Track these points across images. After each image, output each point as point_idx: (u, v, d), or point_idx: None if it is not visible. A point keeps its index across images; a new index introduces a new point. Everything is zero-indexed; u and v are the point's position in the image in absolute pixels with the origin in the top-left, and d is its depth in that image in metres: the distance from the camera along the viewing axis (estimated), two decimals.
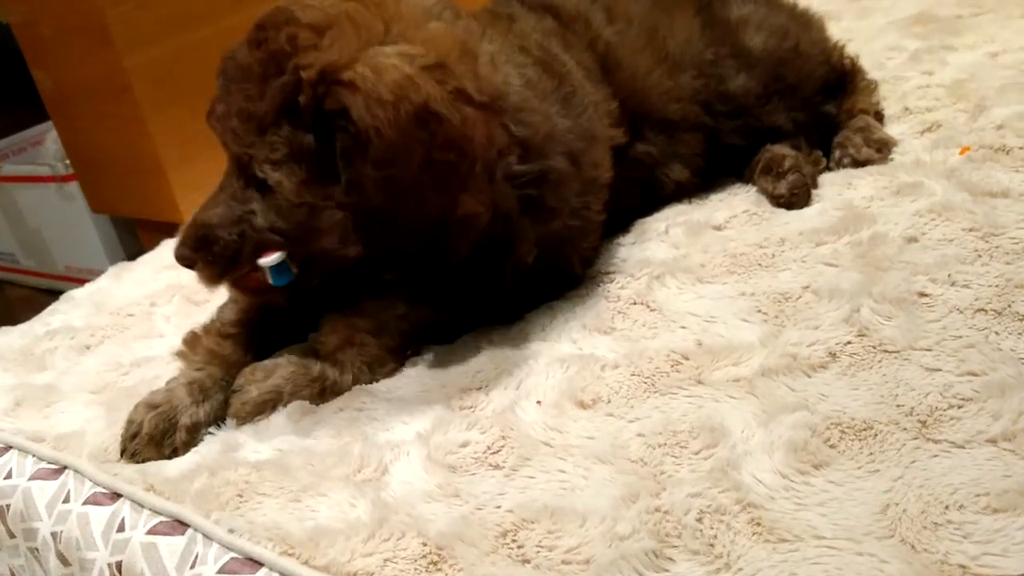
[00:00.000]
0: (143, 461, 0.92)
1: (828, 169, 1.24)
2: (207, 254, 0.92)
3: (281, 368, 0.96)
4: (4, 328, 1.31)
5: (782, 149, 1.21)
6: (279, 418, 0.93)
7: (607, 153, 1.08)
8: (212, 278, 0.94)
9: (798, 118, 1.25)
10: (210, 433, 0.94)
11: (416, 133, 0.84)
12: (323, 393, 0.96)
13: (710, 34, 1.23)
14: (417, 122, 0.84)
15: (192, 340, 1.02)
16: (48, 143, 2.51)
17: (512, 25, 1.09)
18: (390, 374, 0.98)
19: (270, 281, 0.94)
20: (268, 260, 0.93)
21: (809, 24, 1.33)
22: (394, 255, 0.94)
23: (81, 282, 1.46)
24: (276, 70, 0.86)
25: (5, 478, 0.99)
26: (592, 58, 1.15)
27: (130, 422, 0.94)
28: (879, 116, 1.32)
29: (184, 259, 0.93)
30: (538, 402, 0.88)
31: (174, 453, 0.93)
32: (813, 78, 1.28)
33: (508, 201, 0.94)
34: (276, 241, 0.92)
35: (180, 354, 1.01)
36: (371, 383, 0.97)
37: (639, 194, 1.18)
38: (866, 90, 1.34)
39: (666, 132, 1.18)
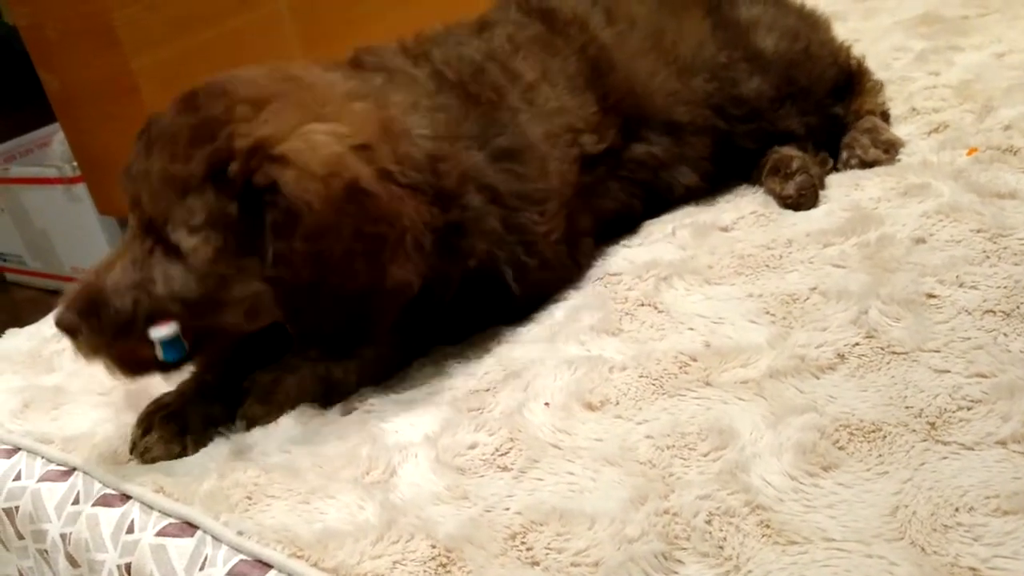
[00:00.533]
0: (153, 460, 0.92)
1: (835, 170, 1.24)
2: (95, 321, 0.88)
3: (288, 368, 0.96)
4: (12, 330, 1.31)
5: (790, 150, 1.21)
6: (287, 420, 0.93)
7: (560, 160, 1.07)
8: (95, 348, 0.90)
9: (810, 122, 1.25)
10: (219, 434, 0.94)
11: (346, 208, 0.85)
12: (329, 391, 0.96)
13: (721, 36, 1.23)
14: (347, 197, 0.85)
15: None
16: (55, 145, 2.51)
17: (433, 51, 1.08)
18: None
19: (160, 356, 0.91)
20: (161, 332, 0.89)
21: (817, 25, 1.33)
22: (316, 331, 0.92)
23: None
24: (207, 136, 0.86)
25: (14, 480, 0.99)
26: (580, 63, 1.14)
27: (140, 421, 0.94)
28: (885, 116, 1.32)
29: (66, 325, 0.89)
30: (546, 404, 0.88)
31: (183, 452, 0.93)
32: (824, 80, 1.28)
33: (430, 258, 0.94)
34: (174, 312, 0.89)
35: None
36: (377, 382, 0.97)
37: (642, 196, 1.18)
38: (873, 91, 1.34)
39: (672, 134, 1.18)
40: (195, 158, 0.86)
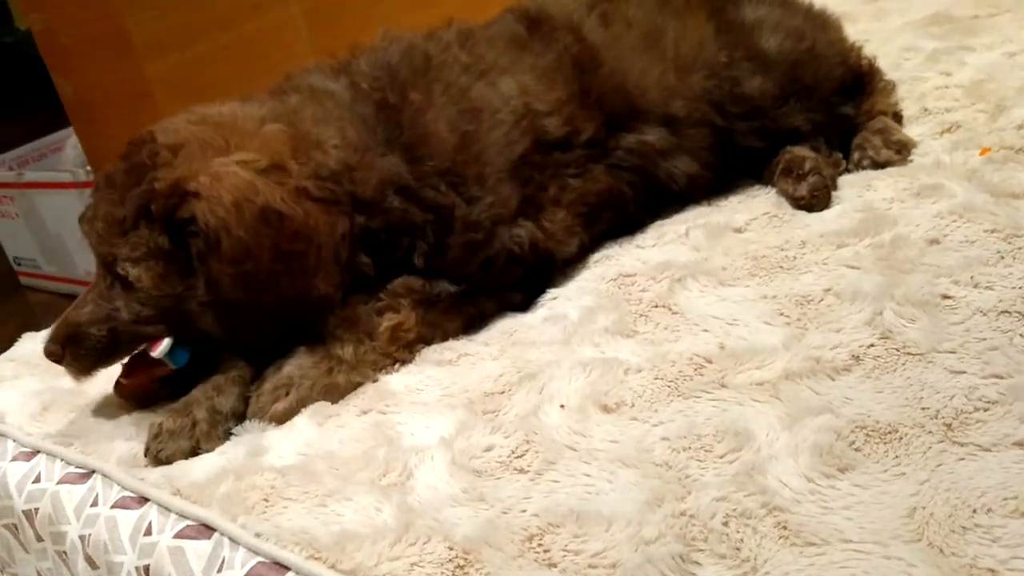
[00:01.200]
0: (168, 459, 0.93)
1: (847, 171, 1.24)
2: (76, 349, 1.00)
3: (292, 357, 1.00)
4: (29, 334, 1.32)
5: (802, 151, 1.21)
6: (303, 422, 0.94)
7: (499, 140, 1.10)
8: (83, 370, 1.01)
9: (816, 119, 1.25)
10: (234, 435, 0.95)
11: (262, 230, 0.94)
12: (332, 371, 0.99)
13: (724, 38, 1.23)
14: (261, 220, 0.94)
15: None
16: (68, 149, 2.53)
17: (359, 62, 1.14)
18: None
19: (171, 366, 1.02)
20: (159, 349, 1.01)
21: (826, 25, 1.33)
22: (254, 343, 1.02)
23: None
24: (136, 181, 0.97)
25: (34, 482, 1.00)
26: (558, 60, 1.17)
27: (152, 424, 0.96)
28: (897, 117, 1.32)
29: (52, 355, 1.01)
30: (561, 406, 0.88)
31: (196, 449, 0.94)
32: (830, 79, 1.27)
33: (362, 267, 1.04)
34: (145, 332, 1.00)
35: None
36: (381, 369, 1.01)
37: (636, 183, 1.18)
38: (884, 91, 1.34)
39: (668, 126, 1.19)
40: (128, 201, 0.97)
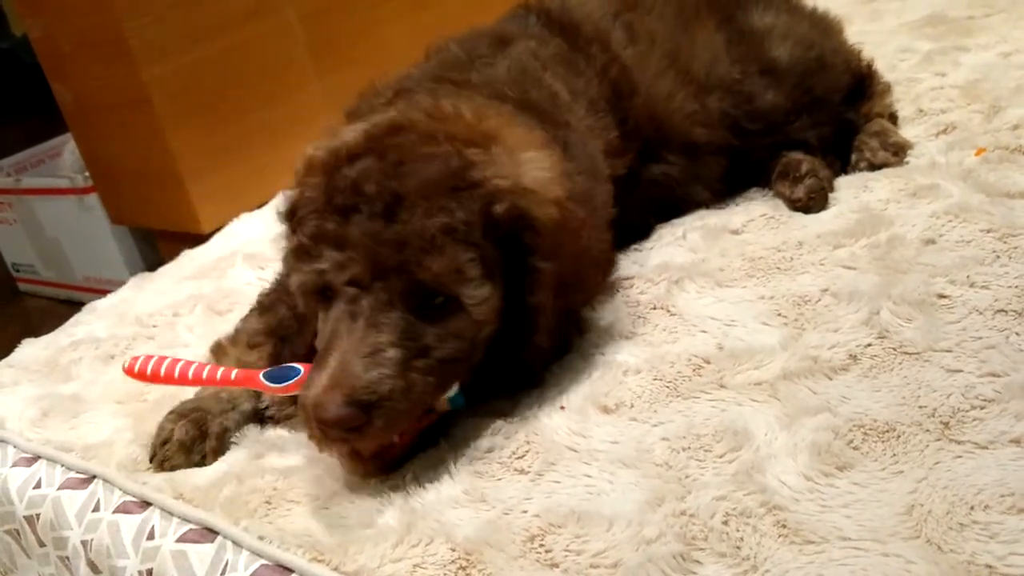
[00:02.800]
0: (172, 469, 0.93)
1: (844, 172, 1.25)
2: (379, 415, 0.78)
3: None
4: (28, 339, 1.32)
5: (798, 155, 1.21)
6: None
7: (609, 188, 1.06)
8: (378, 443, 0.82)
9: (824, 133, 1.24)
10: (234, 443, 0.95)
11: (573, 227, 0.88)
12: None
13: (736, 51, 1.23)
14: (571, 218, 0.88)
15: (218, 350, 1.03)
16: (66, 155, 2.53)
17: (470, 76, 1.05)
18: None
19: (449, 408, 0.88)
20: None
21: (829, 29, 1.33)
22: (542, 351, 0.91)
23: (100, 293, 1.47)
24: (463, 183, 0.83)
25: (35, 488, 1.00)
26: (602, 85, 1.13)
27: (161, 429, 0.95)
28: (893, 119, 1.32)
29: (347, 421, 0.77)
30: (562, 407, 0.89)
31: (203, 461, 0.94)
32: (839, 89, 1.28)
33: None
34: (449, 377, 0.85)
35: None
36: None
37: (656, 211, 1.19)
38: (882, 93, 1.34)
39: (689, 154, 1.18)
40: (462, 207, 0.82)
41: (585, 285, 0.93)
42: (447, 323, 0.83)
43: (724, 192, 1.23)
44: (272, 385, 0.88)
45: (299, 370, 0.88)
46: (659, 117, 1.16)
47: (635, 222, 1.16)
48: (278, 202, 0.98)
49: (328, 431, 0.78)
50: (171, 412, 0.96)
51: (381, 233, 0.80)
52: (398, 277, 0.80)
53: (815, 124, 1.24)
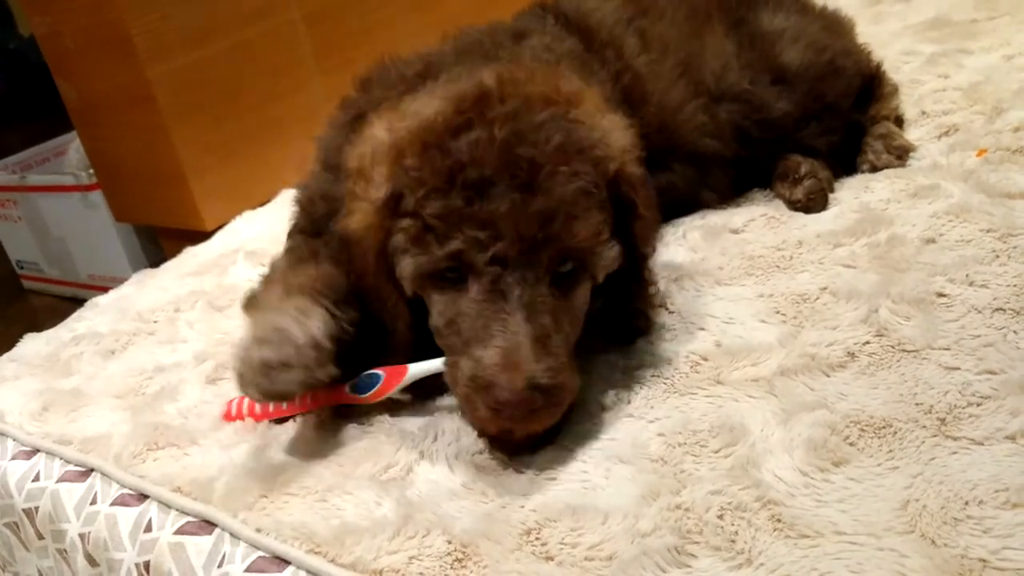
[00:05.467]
0: (282, 395, 0.83)
1: (846, 174, 1.25)
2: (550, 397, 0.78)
3: None
4: (30, 334, 1.33)
5: (798, 156, 1.21)
6: (303, 419, 0.95)
7: None
8: (549, 423, 0.81)
9: (833, 140, 1.24)
10: (235, 433, 0.95)
11: (647, 180, 0.90)
12: None
13: (746, 56, 1.22)
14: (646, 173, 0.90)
15: (252, 299, 0.95)
16: (71, 153, 2.54)
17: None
18: None
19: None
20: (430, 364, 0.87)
21: (840, 29, 1.33)
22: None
23: (104, 290, 1.47)
24: (585, 145, 0.82)
25: (33, 481, 1.01)
26: (614, 90, 1.12)
27: (242, 357, 0.83)
28: (899, 121, 1.32)
29: (526, 403, 0.76)
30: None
31: (312, 379, 0.83)
32: (849, 94, 1.27)
33: None
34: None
35: (247, 309, 0.94)
36: None
37: (663, 215, 1.17)
38: (889, 95, 1.34)
39: (696, 164, 1.18)
40: (593, 170, 0.81)
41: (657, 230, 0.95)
42: (576, 292, 0.83)
43: (730, 196, 1.23)
44: (361, 396, 0.89)
45: (380, 375, 0.88)
46: (669, 127, 1.15)
47: None
48: (306, 195, 0.99)
49: (502, 412, 0.76)
50: (241, 354, 0.84)
51: (528, 205, 0.78)
52: (546, 249, 0.79)
53: (824, 131, 1.23)
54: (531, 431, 0.80)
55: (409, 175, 0.82)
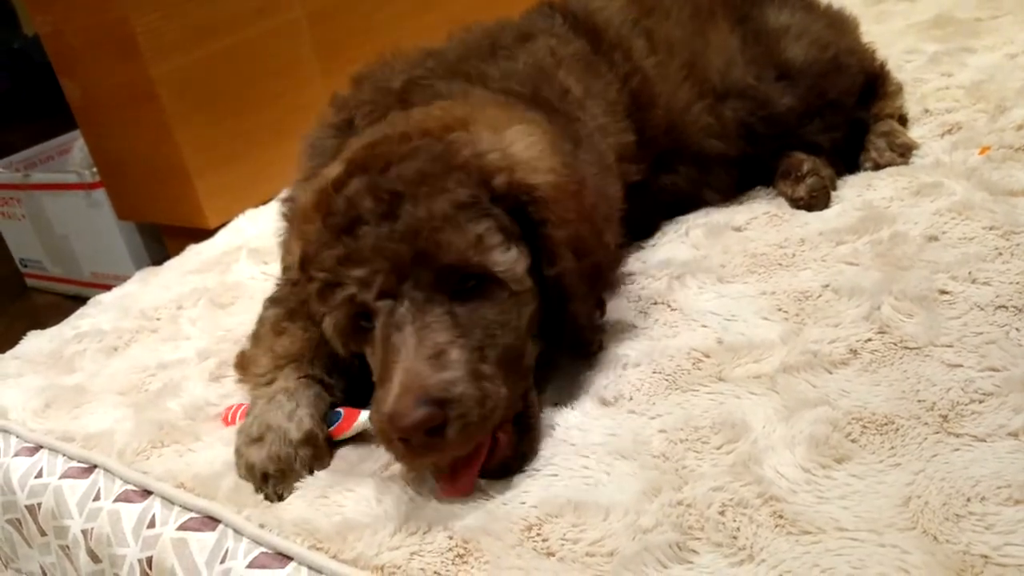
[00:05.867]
0: (283, 497, 0.85)
1: (849, 172, 1.25)
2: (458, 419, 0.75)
3: None
4: (33, 332, 1.33)
5: (800, 154, 1.21)
6: None
7: (620, 185, 1.06)
8: (463, 445, 0.77)
9: (836, 137, 1.24)
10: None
11: (571, 189, 0.87)
12: None
13: (750, 52, 1.22)
14: (574, 183, 0.88)
15: (243, 360, 0.98)
16: (75, 151, 2.54)
17: (488, 70, 1.05)
18: None
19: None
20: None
21: (845, 27, 1.33)
22: (577, 324, 0.89)
23: (107, 288, 1.48)
24: (455, 164, 0.82)
25: (36, 477, 1.01)
26: (622, 92, 1.12)
27: (250, 467, 0.87)
28: (903, 120, 1.32)
29: (428, 422, 0.73)
30: (555, 404, 0.89)
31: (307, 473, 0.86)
32: (852, 91, 1.27)
33: None
34: (514, 368, 0.82)
35: (239, 381, 0.97)
36: None
37: (664, 215, 1.20)
38: (893, 94, 1.34)
39: (700, 165, 1.19)
40: (462, 184, 0.81)
41: (604, 243, 0.91)
42: (489, 304, 0.81)
43: (732, 195, 1.23)
44: (329, 428, 0.89)
45: (340, 413, 0.89)
46: (676, 129, 1.16)
47: (642, 224, 1.16)
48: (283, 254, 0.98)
49: (410, 441, 0.74)
50: (240, 446, 0.89)
51: (391, 232, 0.79)
52: (423, 268, 0.79)
53: (828, 128, 1.23)
54: (452, 453, 0.77)
55: (307, 239, 0.84)
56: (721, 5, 1.26)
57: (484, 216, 0.81)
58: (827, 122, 1.23)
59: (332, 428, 0.89)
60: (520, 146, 0.86)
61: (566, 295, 0.86)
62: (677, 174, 1.18)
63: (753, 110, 1.20)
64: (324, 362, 0.92)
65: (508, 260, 0.81)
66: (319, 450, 0.87)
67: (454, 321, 0.79)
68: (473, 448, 0.78)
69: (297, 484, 0.85)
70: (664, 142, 1.15)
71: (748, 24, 1.25)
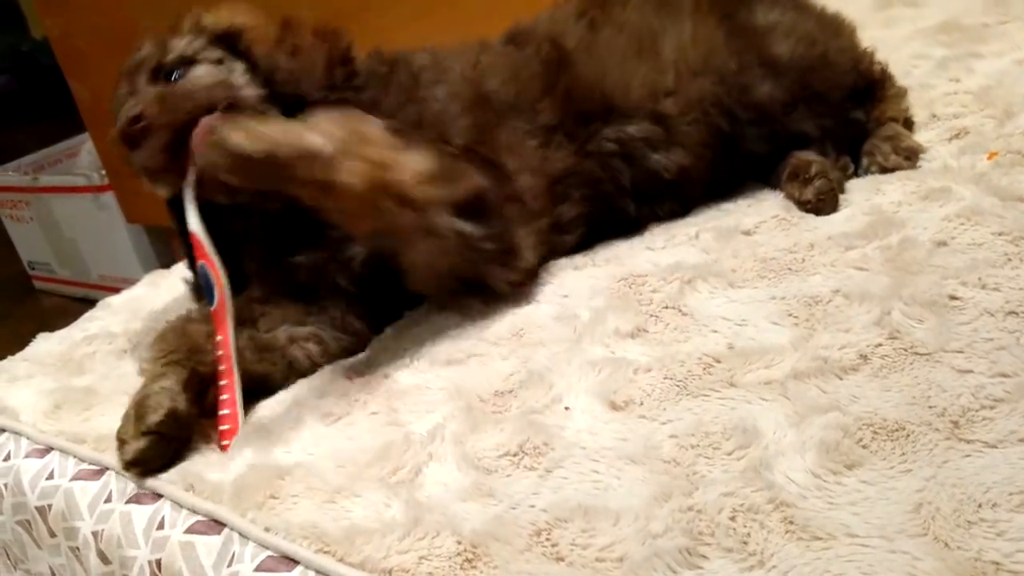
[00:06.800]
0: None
1: (856, 175, 1.25)
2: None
3: None
4: (43, 334, 1.34)
5: (808, 155, 1.21)
6: (311, 420, 0.95)
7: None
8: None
9: (825, 124, 1.25)
10: (242, 434, 0.96)
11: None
12: None
13: (735, 43, 1.23)
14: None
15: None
16: (83, 154, 2.56)
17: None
18: None
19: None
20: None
21: (839, 30, 1.33)
22: None
23: (115, 291, 1.48)
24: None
25: (47, 479, 1.01)
26: (525, 58, 1.22)
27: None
28: (908, 123, 1.32)
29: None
30: (566, 408, 0.89)
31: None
32: (841, 86, 1.27)
33: None
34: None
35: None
36: None
37: (628, 174, 1.20)
38: (896, 97, 1.34)
39: (656, 122, 1.20)
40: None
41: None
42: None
43: (714, 163, 1.22)
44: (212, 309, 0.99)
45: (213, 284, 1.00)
46: (603, 89, 1.19)
47: (617, 207, 1.19)
48: None
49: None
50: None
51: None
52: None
53: (813, 116, 1.24)
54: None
55: None
56: (708, 2, 1.27)
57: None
58: (813, 111, 1.24)
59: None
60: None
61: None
62: (621, 127, 1.19)
63: (731, 92, 1.21)
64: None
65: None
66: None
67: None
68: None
69: (303, 489, 0.85)
70: (586, 97, 1.19)
71: (735, 20, 1.26)
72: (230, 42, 1.12)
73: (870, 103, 1.31)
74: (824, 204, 1.15)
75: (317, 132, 0.94)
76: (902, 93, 1.36)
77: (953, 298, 0.91)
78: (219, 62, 1.10)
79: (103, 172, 2.32)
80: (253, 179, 0.93)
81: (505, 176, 1.11)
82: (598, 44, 1.22)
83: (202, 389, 0.97)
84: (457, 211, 1.00)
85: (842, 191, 1.18)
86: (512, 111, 1.17)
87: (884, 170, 1.22)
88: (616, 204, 1.20)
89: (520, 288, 1.10)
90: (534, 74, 1.21)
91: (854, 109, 1.29)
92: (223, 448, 0.93)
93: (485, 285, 1.08)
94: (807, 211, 1.16)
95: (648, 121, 1.19)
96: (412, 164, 0.97)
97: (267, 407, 1.00)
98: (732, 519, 0.71)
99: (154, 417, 0.92)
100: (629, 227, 1.21)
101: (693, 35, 1.23)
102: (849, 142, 1.27)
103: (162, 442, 0.93)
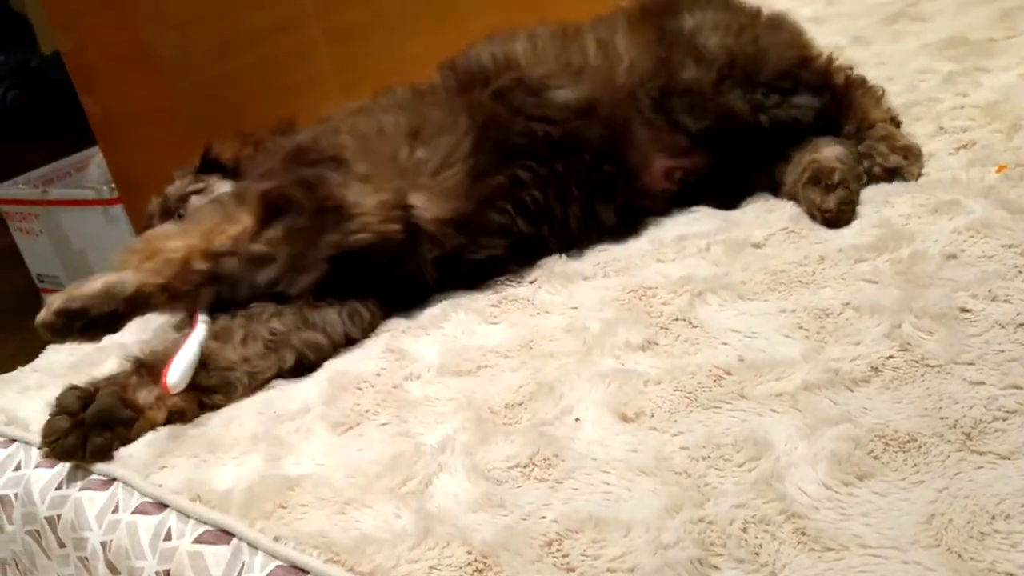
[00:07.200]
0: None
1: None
2: None
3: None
4: (53, 345, 1.33)
5: (830, 160, 1.20)
6: (321, 431, 0.95)
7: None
8: None
9: (756, 100, 1.26)
10: (252, 443, 0.96)
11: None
12: None
13: (665, 41, 1.28)
14: None
15: None
16: (92, 168, 2.56)
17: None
18: None
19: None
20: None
21: (780, 27, 1.34)
22: None
23: None
24: None
25: (56, 489, 1.01)
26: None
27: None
28: (895, 122, 1.32)
29: None
30: (576, 419, 0.89)
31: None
32: (777, 69, 1.28)
33: None
34: None
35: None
36: None
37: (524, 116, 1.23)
38: (872, 98, 1.34)
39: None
40: None
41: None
42: None
43: (646, 159, 1.26)
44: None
45: None
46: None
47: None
48: None
49: None
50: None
51: None
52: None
53: (744, 93, 1.25)
54: None
55: None
56: (639, 20, 1.32)
57: None
58: (743, 89, 1.25)
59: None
60: None
61: None
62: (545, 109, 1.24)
63: (657, 75, 1.26)
64: None
65: None
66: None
67: None
68: None
69: (313, 499, 0.85)
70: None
71: (668, 32, 1.29)
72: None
73: (847, 112, 1.31)
74: (844, 215, 1.14)
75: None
76: (878, 92, 1.35)
77: (964, 310, 0.91)
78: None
79: (112, 185, 2.33)
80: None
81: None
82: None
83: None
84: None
85: (858, 203, 1.17)
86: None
87: (887, 170, 1.22)
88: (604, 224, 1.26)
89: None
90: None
91: (796, 93, 1.28)
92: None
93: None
94: (825, 220, 1.15)
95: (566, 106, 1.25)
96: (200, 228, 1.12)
97: (274, 417, 1.00)
98: (744, 530, 0.71)
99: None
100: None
101: (633, 46, 1.28)
102: (786, 137, 1.27)
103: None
